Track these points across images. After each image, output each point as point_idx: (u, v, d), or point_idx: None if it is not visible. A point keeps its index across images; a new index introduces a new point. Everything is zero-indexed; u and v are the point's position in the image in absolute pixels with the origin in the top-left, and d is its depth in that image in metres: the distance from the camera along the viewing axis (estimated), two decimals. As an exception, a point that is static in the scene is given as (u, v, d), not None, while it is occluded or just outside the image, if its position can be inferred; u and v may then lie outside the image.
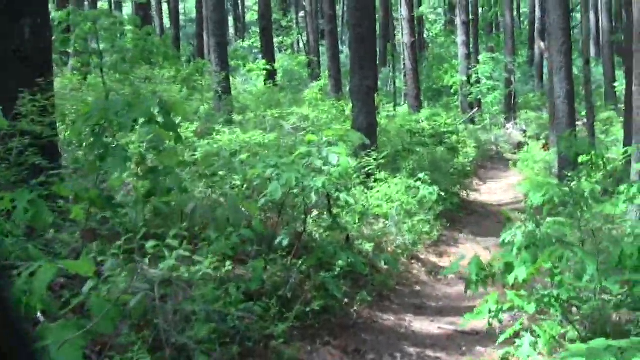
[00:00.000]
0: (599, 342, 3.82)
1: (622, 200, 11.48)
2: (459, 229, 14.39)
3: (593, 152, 16.77)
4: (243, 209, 6.52)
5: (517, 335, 6.55)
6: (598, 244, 7.48)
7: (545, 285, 6.88)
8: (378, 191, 11.74)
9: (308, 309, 7.11)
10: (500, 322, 6.74)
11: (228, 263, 6.61)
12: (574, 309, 6.85)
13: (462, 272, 11.74)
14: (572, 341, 6.18)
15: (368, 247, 9.46)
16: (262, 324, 6.48)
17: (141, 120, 5.67)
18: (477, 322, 9.00)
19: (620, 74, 28.59)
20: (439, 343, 8.39)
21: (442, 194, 13.24)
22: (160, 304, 5.20)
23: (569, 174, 14.90)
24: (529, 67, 39.09)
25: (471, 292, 7.19)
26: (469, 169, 18.45)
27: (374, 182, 12.32)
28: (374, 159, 11.89)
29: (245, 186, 8.29)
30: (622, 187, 11.50)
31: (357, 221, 9.84)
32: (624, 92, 18.62)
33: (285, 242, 7.26)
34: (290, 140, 12.06)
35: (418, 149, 16.52)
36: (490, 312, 6.33)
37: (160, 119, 5.66)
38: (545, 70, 39.17)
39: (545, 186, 10.90)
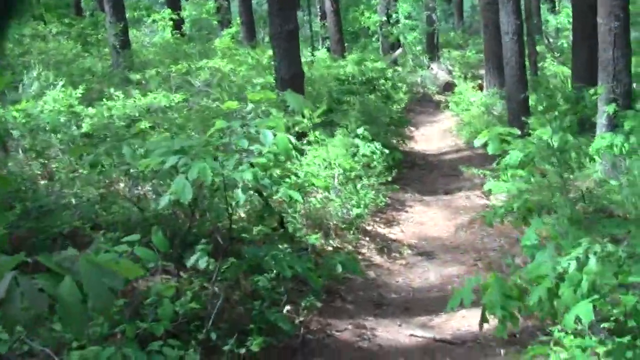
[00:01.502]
0: None
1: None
2: (403, 189, 12.32)
3: (549, 94, 14.88)
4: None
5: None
6: None
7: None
8: (315, 157, 9.52)
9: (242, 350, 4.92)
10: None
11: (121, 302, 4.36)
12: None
13: (416, 244, 9.80)
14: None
15: (314, 239, 7.28)
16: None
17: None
18: (458, 324, 6.98)
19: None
20: (416, 361, 6.33)
21: (385, 150, 11.09)
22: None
23: (527, 121, 12.94)
24: (448, 4, 36.97)
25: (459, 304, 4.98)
26: (403, 116, 16.34)
27: (308, 144, 10.09)
28: (309, 118, 9.69)
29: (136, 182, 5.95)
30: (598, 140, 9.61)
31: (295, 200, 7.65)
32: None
33: (203, 264, 5.02)
34: (202, 100, 9.68)
35: (349, 99, 14.30)
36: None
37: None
38: (466, 7, 37.30)
39: (508, 138, 8.95)
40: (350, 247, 8.77)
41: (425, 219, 10.67)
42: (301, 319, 6.41)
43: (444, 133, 18.01)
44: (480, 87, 19.84)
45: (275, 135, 4.76)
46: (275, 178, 5.22)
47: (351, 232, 9.12)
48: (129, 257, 4.19)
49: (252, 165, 4.71)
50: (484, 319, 4.41)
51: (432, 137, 17.75)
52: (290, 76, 11.76)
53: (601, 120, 10.85)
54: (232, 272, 5.59)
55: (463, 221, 10.38)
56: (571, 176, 8.40)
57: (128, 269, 2.53)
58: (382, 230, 9.90)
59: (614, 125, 11.29)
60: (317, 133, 10.01)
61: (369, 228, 9.75)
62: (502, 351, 6.16)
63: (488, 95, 17.70)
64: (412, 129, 18.69)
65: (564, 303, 3.82)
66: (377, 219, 10.23)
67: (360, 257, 8.64)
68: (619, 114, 10.54)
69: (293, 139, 4.90)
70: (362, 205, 9.10)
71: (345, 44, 26.07)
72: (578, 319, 3.76)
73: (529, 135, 12.00)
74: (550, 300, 3.92)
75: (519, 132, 9.37)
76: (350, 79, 14.88)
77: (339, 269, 5.62)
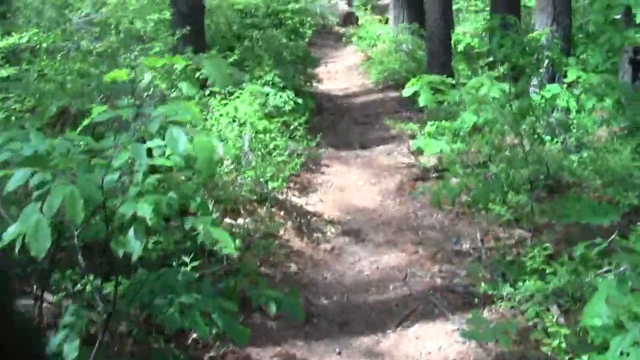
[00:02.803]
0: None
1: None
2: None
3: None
4: None
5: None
6: None
7: None
8: (221, 115, 7.64)
9: None
10: None
11: None
12: None
13: (339, 219, 8.10)
14: None
15: (230, 248, 5.49)
16: None
17: None
18: (413, 348, 5.38)
19: None
20: None
21: (298, 100, 9.29)
22: None
23: (463, 68, 11.40)
24: None
25: None
26: (310, 54, 14.46)
27: (211, 95, 8.17)
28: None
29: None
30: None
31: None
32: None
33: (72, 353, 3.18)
34: (83, 42, 7.58)
35: (252, 34, 12.32)
36: None
37: None
38: None
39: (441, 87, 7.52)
40: (262, 227, 7.01)
41: (345, 182, 9.00)
42: (211, 354, 4.69)
43: (350, 71, 16.25)
44: (387, 21, 18.07)
45: (191, 138, 2.93)
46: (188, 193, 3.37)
47: (264, 206, 7.38)
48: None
49: (157, 183, 2.91)
50: None
51: (337, 75, 15.96)
52: (189, 9, 9.77)
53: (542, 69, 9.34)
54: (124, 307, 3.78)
55: (389, 187, 8.78)
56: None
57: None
58: (297, 200, 8.17)
59: (553, 75, 9.81)
60: (222, 83, 8.11)
61: (281, 197, 8.01)
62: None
63: (396, 29, 15.95)
64: (315, 64, 16.81)
65: None
66: (291, 185, 8.50)
67: (277, 242, 6.91)
68: (560, 62, 9.09)
69: (220, 146, 3.05)
70: (279, 179, 7.31)
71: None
72: None
73: (462, 84, 10.46)
74: None
75: (453, 81, 7.80)
76: (253, 11, 12.87)
77: (273, 309, 3.90)
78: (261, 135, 7.45)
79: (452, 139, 8.49)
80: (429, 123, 9.44)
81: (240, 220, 7.05)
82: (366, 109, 12.68)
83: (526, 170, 6.54)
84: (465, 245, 6.97)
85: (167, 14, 9.36)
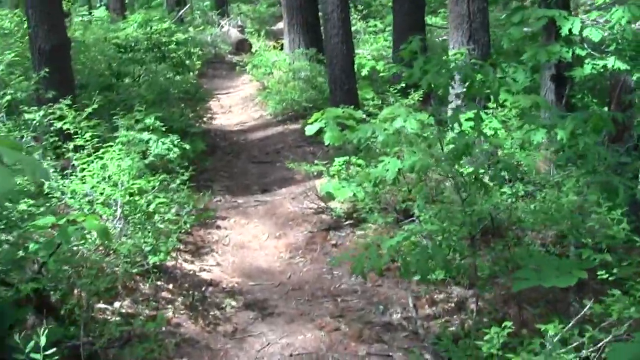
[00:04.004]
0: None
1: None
2: (208, 186, 9.16)
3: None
4: None
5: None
6: None
7: None
8: (86, 176, 6.10)
9: None
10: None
11: None
12: None
13: (241, 286, 6.61)
14: None
15: None
16: None
17: None
18: None
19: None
20: None
21: (185, 145, 7.83)
22: None
23: (372, 96, 10.24)
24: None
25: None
26: (199, 89, 12.99)
27: (74, 152, 6.63)
28: (73, 112, 6.26)
29: None
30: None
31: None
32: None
33: None
34: None
35: (133, 70, 10.80)
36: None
37: None
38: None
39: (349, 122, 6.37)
40: (147, 312, 5.55)
41: (245, 237, 7.60)
42: None
43: (245, 102, 14.84)
44: (282, 47, 16.75)
45: None
46: None
47: (148, 280, 5.91)
48: None
49: None
50: None
51: (232, 108, 14.54)
52: (52, 46, 8.19)
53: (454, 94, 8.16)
54: None
55: (297, 240, 7.42)
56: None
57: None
58: (190, 265, 6.72)
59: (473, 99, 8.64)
60: (88, 133, 6.56)
61: (170, 264, 6.55)
62: None
63: (293, 55, 14.63)
64: (207, 98, 15.35)
65: None
66: (182, 246, 7.04)
67: (164, 329, 5.44)
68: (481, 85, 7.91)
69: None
70: (161, 251, 5.81)
71: (126, 1, 22.10)
72: None
73: (370, 114, 9.21)
74: None
75: (363, 115, 6.51)
76: (133, 45, 11.30)
77: None
78: (137, 197, 5.95)
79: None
80: (337, 160, 8.17)
81: (117, 304, 5.57)
82: (265, 146, 11.33)
83: (466, 228, 5.28)
84: (396, 315, 5.67)
85: (27, 53, 7.78)
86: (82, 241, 5.14)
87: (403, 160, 5.23)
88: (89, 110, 7.04)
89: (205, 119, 11.99)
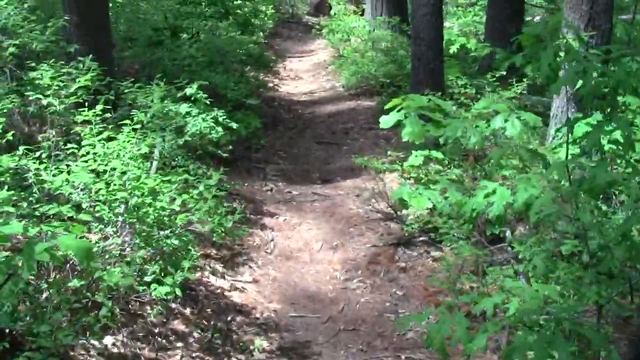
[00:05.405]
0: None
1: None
2: (260, 170, 7.66)
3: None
4: None
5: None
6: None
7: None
8: (79, 165, 4.52)
9: None
10: None
11: None
12: None
13: (278, 318, 4.98)
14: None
15: None
16: None
17: None
18: None
19: None
20: None
21: (232, 123, 6.25)
22: None
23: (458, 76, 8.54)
24: None
25: None
26: (263, 54, 11.38)
27: (81, 128, 5.10)
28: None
29: None
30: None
31: None
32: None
33: None
34: None
35: (191, 26, 9.26)
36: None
37: None
38: None
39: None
40: (145, 353, 4.07)
41: (294, 244, 6.05)
42: None
43: (317, 69, 13.26)
44: (363, 12, 14.99)
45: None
46: None
47: (153, 310, 4.40)
48: None
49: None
50: None
51: (302, 73, 12.97)
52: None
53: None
54: None
55: (357, 256, 5.84)
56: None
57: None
58: (218, 280, 5.20)
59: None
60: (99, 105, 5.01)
61: (206, 278, 5.07)
62: None
63: (373, 23, 12.87)
64: (277, 60, 13.76)
65: None
66: (210, 252, 5.54)
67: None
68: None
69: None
70: (171, 284, 4.23)
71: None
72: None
73: (460, 104, 7.49)
74: None
75: (453, 107, 4.85)
76: (191, -4, 9.76)
77: None
78: (148, 200, 4.37)
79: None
80: (414, 154, 6.50)
81: (108, 339, 4.08)
82: (333, 123, 9.73)
83: (592, 295, 3.57)
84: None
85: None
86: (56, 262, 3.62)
87: (514, 190, 3.56)
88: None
89: (269, 87, 10.43)
